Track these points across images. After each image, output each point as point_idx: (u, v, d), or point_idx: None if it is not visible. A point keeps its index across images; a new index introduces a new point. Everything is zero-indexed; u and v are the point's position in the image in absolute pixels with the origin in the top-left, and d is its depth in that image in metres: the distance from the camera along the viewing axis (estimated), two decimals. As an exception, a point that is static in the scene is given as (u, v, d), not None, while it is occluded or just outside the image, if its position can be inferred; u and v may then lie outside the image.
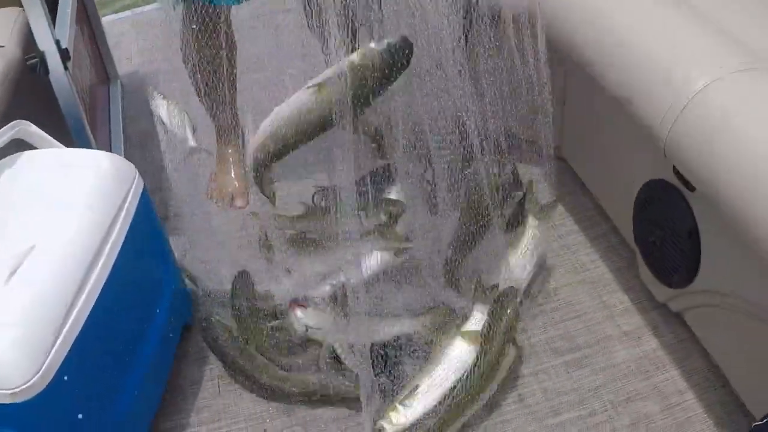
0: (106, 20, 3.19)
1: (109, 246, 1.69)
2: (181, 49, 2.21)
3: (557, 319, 2.14)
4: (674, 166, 1.81)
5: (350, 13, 1.72)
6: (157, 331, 1.93)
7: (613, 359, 2.04)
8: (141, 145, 2.79)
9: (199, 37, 2.04)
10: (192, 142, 2.46)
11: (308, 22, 1.90)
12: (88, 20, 2.81)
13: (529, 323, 2.12)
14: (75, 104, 2.11)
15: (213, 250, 2.26)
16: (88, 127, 2.14)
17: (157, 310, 1.95)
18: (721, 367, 1.93)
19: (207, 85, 2.28)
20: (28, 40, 2.30)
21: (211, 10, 1.96)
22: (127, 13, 3.84)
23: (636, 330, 2.10)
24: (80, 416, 1.62)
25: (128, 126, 2.90)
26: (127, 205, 1.78)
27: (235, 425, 1.97)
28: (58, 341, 1.52)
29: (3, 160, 1.82)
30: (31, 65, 2.04)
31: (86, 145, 2.14)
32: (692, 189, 1.78)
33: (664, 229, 1.96)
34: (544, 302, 2.19)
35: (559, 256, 2.32)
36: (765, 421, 1.42)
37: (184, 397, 2.04)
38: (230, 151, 2.43)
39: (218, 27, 1.97)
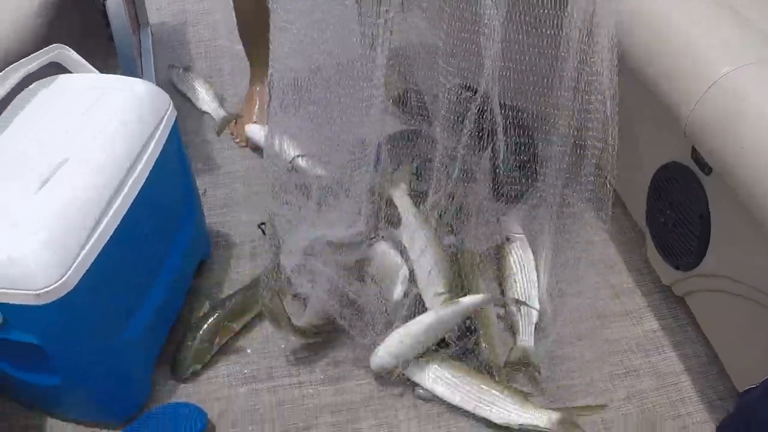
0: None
1: (141, 165, 1.73)
2: None
3: (564, 293, 2.16)
4: (692, 150, 1.86)
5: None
6: (175, 258, 1.98)
7: (614, 335, 2.09)
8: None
9: None
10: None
11: None
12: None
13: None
14: (126, 30, 2.17)
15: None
16: (135, 52, 2.18)
17: (178, 238, 2.00)
18: (718, 354, 1.98)
19: (244, 22, 2.33)
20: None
21: None
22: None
23: (638, 310, 2.16)
24: (99, 324, 1.68)
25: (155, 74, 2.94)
26: (160, 130, 1.83)
27: (244, 359, 2.02)
28: (86, 248, 1.56)
29: (40, 81, 1.86)
30: (89, -11, 2.09)
31: (133, 69, 2.20)
32: (708, 172, 1.84)
33: (676, 211, 2.00)
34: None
35: (568, 233, 2.36)
36: (757, 386, 1.44)
37: (194, 330, 2.09)
38: (258, 90, 2.49)
39: None
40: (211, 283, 2.20)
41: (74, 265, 1.53)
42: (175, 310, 2.05)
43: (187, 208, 2.07)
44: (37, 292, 1.49)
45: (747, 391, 1.47)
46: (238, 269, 2.25)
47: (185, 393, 1.94)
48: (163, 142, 1.84)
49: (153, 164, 1.79)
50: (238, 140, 2.65)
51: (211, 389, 1.95)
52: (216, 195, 2.48)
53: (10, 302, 1.51)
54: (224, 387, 1.95)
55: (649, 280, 2.22)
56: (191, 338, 1.97)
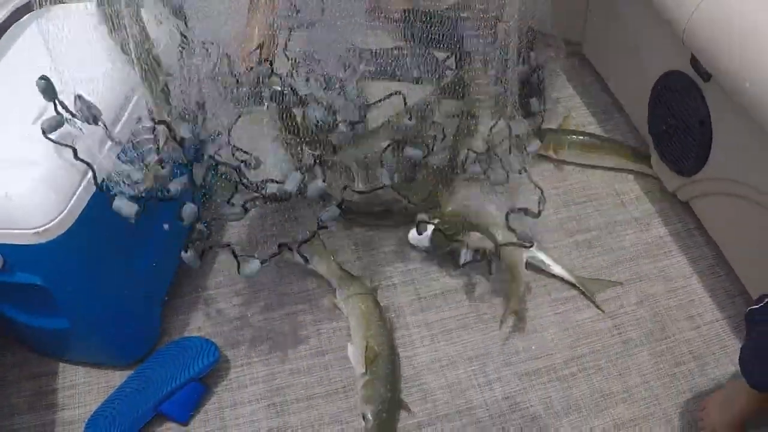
0: None
1: (139, 93, 1.66)
2: None
3: (569, 202, 2.18)
4: (691, 57, 1.85)
5: None
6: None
7: (622, 242, 2.10)
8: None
9: None
10: None
11: None
12: None
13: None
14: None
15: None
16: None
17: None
18: (725, 255, 1.99)
19: None
20: None
21: None
22: None
23: (645, 217, 2.16)
24: (103, 261, 1.64)
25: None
26: (157, 56, 1.77)
27: (254, 289, 2.02)
28: (84, 181, 1.52)
29: (33, 12, 1.80)
30: None
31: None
32: (707, 79, 1.82)
33: (678, 119, 2.00)
34: (559, 185, 2.23)
35: (573, 143, 2.36)
36: (761, 305, 1.45)
37: (202, 261, 2.05)
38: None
39: None
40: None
41: (73, 199, 1.49)
42: (180, 243, 2.01)
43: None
44: (37, 230, 1.45)
45: (749, 311, 1.48)
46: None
47: (196, 326, 1.95)
48: (163, 65, 1.79)
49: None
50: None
51: (224, 320, 1.96)
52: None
53: (10, 242, 1.47)
54: (236, 318, 1.96)
55: (655, 188, 2.22)
56: None
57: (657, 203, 2.19)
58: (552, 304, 1.97)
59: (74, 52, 1.53)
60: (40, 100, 1.54)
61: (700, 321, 1.93)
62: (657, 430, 1.76)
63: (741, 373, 1.50)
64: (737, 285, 1.95)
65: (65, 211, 1.48)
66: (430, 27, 1.91)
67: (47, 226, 1.46)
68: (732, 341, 1.88)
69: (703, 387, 1.81)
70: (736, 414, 1.65)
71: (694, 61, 1.84)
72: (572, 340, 1.90)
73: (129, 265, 1.75)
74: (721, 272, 2.01)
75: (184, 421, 1.77)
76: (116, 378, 1.84)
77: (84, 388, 1.84)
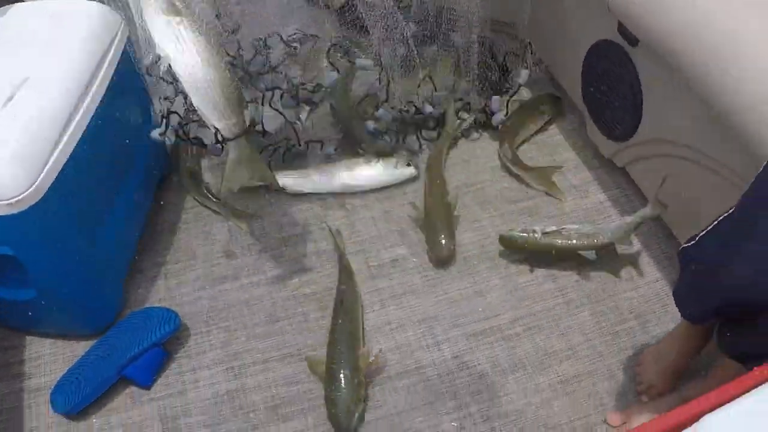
0: None
1: (98, 81, 1.79)
2: None
3: (511, 172, 2.27)
4: (618, 25, 1.93)
5: None
6: (138, 171, 2.05)
7: (563, 208, 2.19)
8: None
9: None
10: None
11: None
12: None
13: (481, 175, 2.30)
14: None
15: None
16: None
17: (140, 149, 2.08)
18: (662, 216, 2.07)
19: None
20: None
21: None
22: None
23: (584, 184, 2.25)
24: (71, 232, 1.74)
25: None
26: (113, 48, 1.88)
27: (210, 263, 2.11)
28: (52, 157, 1.62)
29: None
30: None
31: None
32: (634, 44, 1.91)
33: (609, 86, 2.09)
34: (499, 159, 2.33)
35: (512, 120, 2.44)
36: (692, 243, 1.52)
37: (160, 239, 2.16)
38: None
39: None
40: (174, 194, 2.28)
41: (43, 173, 1.59)
42: (141, 220, 2.13)
43: (144, 122, 2.15)
44: (9, 201, 1.55)
45: (683, 249, 1.55)
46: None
47: (157, 298, 2.03)
48: (118, 57, 1.90)
49: (110, 77, 1.84)
50: None
51: (182, 292, 2.04)
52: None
53: (-18, 214, 1.57)
54: (195, 290, 2.04)
55: (592, 156, 2.31)
56: None
57: (594, 171, 2.28)
58: (496, 267, 2.05)
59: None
60: (8, 85, 1.66)
61: (641, 281, 2.02)
62: (601, 385, 1.83)
63: (676, 307, 1.58)
64: (675, 245, 2.03)
65: (36, 184, 1.58)
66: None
67: (20, 197, 1.55)
68: (671, 299, 1.92)
69: (645, 344, 1.89)
70: (670, 365, 1.73)
71: (622, 28, 1.92)
72: (516, 302, 1.98)
73: (96, 235, 1.84)
74: (659, 234, 2.10)
75: (147, 384, 1.85)
76: (80, 348, 1.90)
77: (50, 358, 1.91)
